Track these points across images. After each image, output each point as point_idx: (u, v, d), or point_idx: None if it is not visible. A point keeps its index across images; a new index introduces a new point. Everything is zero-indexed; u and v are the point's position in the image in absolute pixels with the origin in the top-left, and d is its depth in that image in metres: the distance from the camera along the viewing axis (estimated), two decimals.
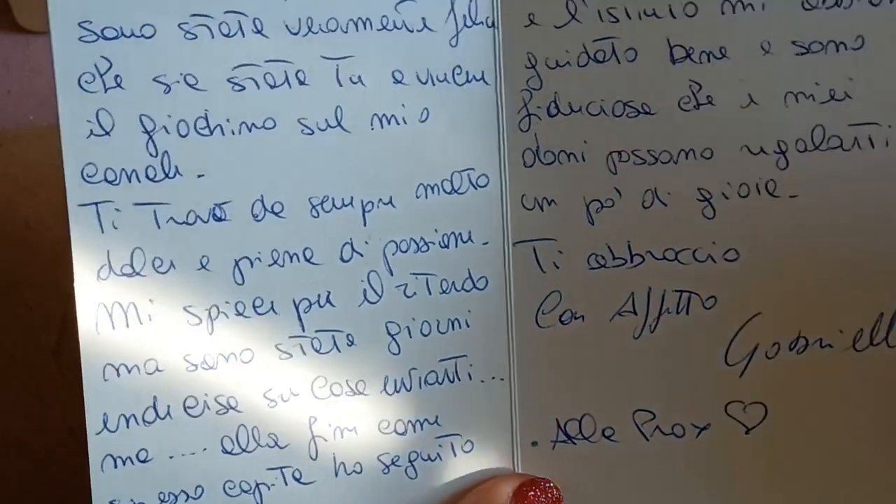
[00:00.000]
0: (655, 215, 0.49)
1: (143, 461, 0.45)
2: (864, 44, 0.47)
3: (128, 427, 0.45)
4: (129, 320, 0.45)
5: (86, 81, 0.44)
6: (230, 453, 0.46)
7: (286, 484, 0.47)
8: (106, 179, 0.44)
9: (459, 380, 0.49)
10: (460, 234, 0.49)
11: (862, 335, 0.48)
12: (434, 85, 0.48)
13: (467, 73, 0.49)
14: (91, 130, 0.44)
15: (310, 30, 0.46)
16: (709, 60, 0.48)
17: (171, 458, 0.46)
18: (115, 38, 0.44)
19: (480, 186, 0.49)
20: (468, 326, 0.49)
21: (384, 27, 0.47)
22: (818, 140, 0.48)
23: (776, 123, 0.48)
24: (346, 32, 0.47)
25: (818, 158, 0.48)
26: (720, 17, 0.48)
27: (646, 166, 0.49)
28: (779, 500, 0.50)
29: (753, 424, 0.49)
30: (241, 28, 0.45)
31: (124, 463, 0.45)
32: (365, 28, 0.47)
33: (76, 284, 0.44)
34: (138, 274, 0.45)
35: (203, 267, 0.46)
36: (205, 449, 0.46)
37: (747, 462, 0.50)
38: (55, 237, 0.61)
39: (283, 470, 0.47)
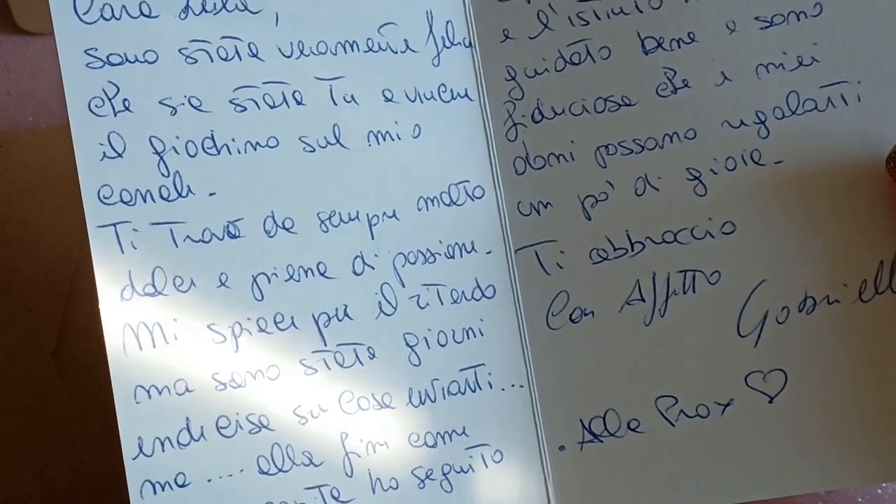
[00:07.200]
0: (649, 201, 0.53)
1: (182, 486, 0.46)
2: (822, 10, 0.52)
3: (163, 450, 0.46)
4: (155, 340, 0.46)
5: (96, 106, 0.46)
6: (267, 473, 0.47)
7: (325, 503, 0.48)
8: (122, 200, 0.46)
9: (481, 389, 0.51)
10: (464, 244, 0.52)
11: (866, 286, 0.51)
12: (423, 102, 0.52)
13: (452, 90, 0.53)
14: (104, 153, 0.46)
15: (301, 53, 0.50)
16: (679, 46, 0.53)
17: (209, 481, 0.46)
18: (121, 63, 0.47)
19: (477, 198, 0.52)
20: (482, 335, 0.52)
21: (370, 49, 0.51)
22: (794, 105, 0.52)
23: (752, 96, 0.52)
24: (336, 54, 0.51)
25: (797, 123, 0.52)
26: (684, 5, 0.53)
27: (633, 155, 0.53)
28: (812, 463, 0.51)
29: (776, 392, 0.52)
30: (237, 52, 0.49)
31: (163, 488, 0.46)
32: (353, 50, 0.51)
33: (101, 306, 0.46)
34: (161, 293, 0.47)
35: (223, 284, 0.48)
36: (242, 470, 0.47)
37: (775, 431, 0.51)
38: (55, 237, 0.62)
39: (321, 489, 0.48)
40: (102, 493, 0.46)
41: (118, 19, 0.47)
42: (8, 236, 0.64)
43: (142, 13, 0.48)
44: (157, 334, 0.47)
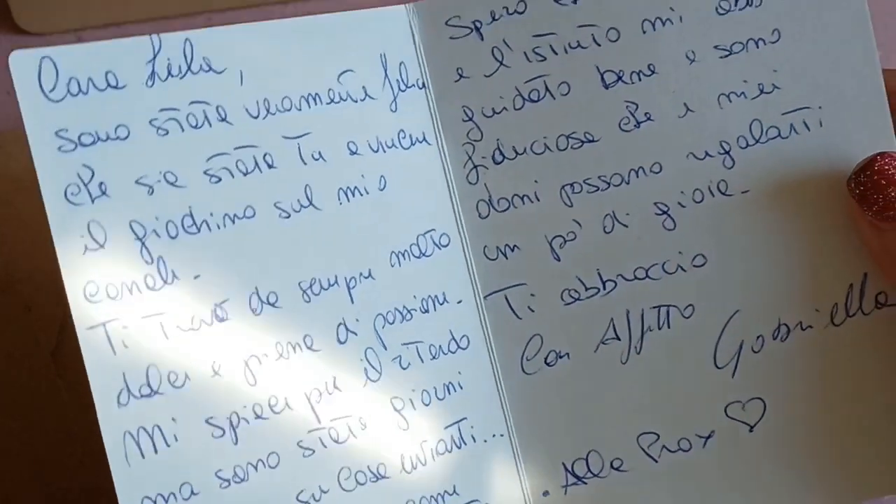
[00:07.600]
0: (618, 238, 0.52)
1: None
2: (780, 36, 0.52)
3: None
4: (156, 445, 0.43)
5: (72, 194, 0.43)
6: None
7: None
8: (108, 296, 0.43)
9: (465, 444, 0.51)
10: (436, 296, 0.51)
11: (837, 309, 0.51)
12: (385, 152, 0.50)
13: (410, 135, 0.51)
14: (85, 246, 0.43)
15: (268, 112, 0.47)
16: (640, 79, 0.52)
17: None
18: (93, 143, 0.43)
19: (443, 246, 0.51)
20: (461, 388, 0.51)
21: (332, 100, 0.49)
22: (757, 134, 0.52)
23: (715, 126, 0.52)
24: (301, 110, 0.48)
25: (761, 151, 0.52)
26: (642, 36, 0.52)
27: (599, 192, 0.52)
28: (796, 487, 0.52)
29: (755, 421, 0.52)
30: (206, 118, 0.46)
31: None
32: (316, 103, 0.48)
33: (99, 415, 0.42)
34: (157, 393, 0.44)
35: (216, 373, 0.45)
36: None
37: (758, 459, 0.52)
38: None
39: None
40: (102, 494, 0.43)
41: (86, 94, 0.43)
42: (8, 236, 0.63)
43: (108, 84, 0.44)
44: (157, 438, 0.44)
